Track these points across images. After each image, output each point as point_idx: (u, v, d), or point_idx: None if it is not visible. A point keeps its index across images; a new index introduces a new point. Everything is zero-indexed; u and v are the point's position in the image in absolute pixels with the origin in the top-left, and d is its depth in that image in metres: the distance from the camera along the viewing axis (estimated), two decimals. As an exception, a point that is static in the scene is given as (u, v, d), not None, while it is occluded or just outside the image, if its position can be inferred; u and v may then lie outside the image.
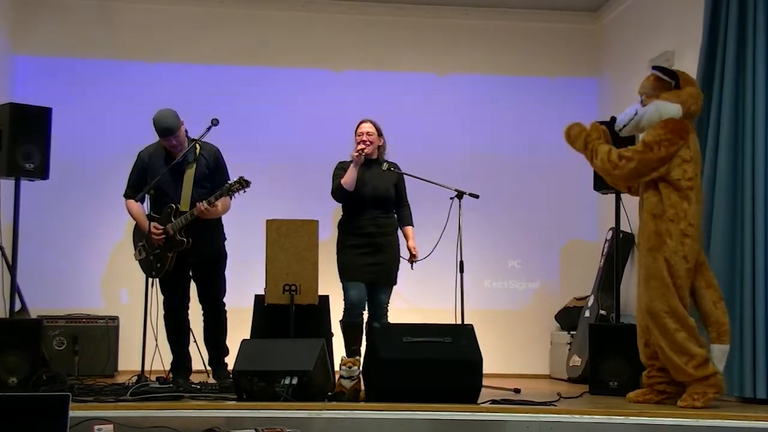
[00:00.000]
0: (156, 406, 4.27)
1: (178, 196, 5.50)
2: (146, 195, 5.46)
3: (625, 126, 4.96)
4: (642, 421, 4.23)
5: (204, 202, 5.37)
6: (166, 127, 5.41)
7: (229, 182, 5.42)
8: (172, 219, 5.44)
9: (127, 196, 5.62)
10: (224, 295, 5.68)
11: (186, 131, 5.54)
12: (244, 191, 5.41)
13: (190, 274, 5.61)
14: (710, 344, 4.72)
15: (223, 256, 5.70)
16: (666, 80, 4.85)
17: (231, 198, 5.46)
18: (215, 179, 5.55)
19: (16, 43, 7.16)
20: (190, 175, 5.53)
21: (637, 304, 4.98)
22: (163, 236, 5.42)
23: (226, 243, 5.71)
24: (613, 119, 5.10)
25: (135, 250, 5.61)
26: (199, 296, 5.65)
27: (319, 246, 5.58)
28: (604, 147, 4.91)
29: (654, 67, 4.99)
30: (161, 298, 5.54)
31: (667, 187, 4.74)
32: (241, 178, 5.40)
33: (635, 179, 4.87)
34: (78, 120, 7.01)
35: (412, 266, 5.88)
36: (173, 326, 5.60)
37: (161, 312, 5.52)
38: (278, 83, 7.45)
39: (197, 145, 5.56)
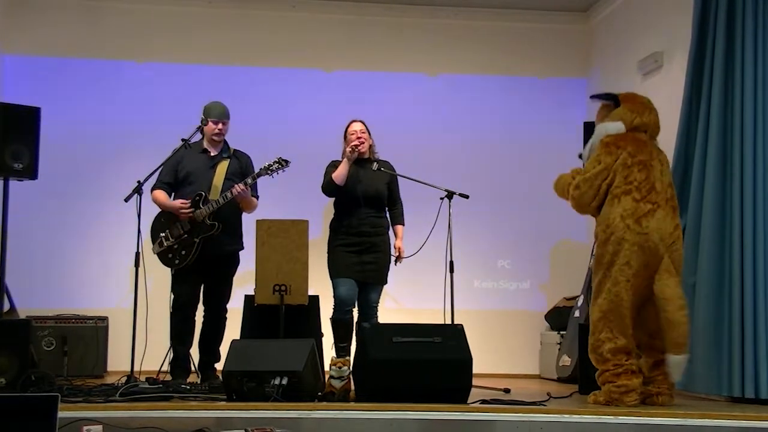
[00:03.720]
0: (145, 407, 4.26)
1: (209, 185, 5.58)
2: (173, 188, 5.60)
3: (582, 156, 5.11)
4: (631, 421, 4.23)
5: (241, 183, 5.48)
6: (224, 110, 5.68)
7: (267, 162, 5.51)
8: (201, 206, 5.49)
9: (154, 187, 5.65)
10: (228, 301, 5.68)
11: None
12: (284, 171, 5.53)
13: (203, 277, 5.60)
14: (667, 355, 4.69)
15: (237, 261, 5.73)
16: (608, 103, 4.94)
17: (272, 176, 5.55)
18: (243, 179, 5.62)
19: (5, 42, 7.13)
20: (223, 167, 5.65)
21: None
22: (191, 211, 5.47)
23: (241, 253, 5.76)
24: (580, 155, 5.20)
25: (154, 243, 5.59)
26: (204, 297, 5.64)
27: (309, 246, 5.58)
28: (567, 179, 5.00)
29: (592, 96, 5.09)
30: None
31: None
32: (279, 158, 5.51)
33: (591, 201, 4.84)
34: (67, 120, 7.00)
35: (395, 263, 5.87)
36: (181, 325, 5.55)
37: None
38: (268, 83, 7.45)
39: (230, 147, 5.76)
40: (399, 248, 5.85)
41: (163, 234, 5.56)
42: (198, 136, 5.69)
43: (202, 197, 5.54)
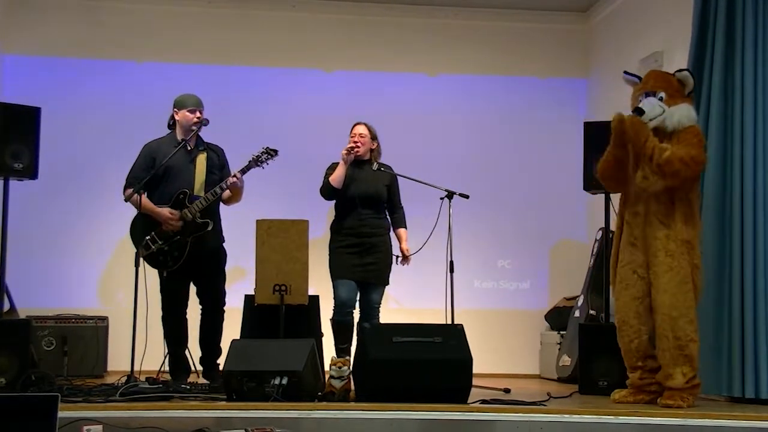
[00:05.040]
0: (145, 407, 4.26)
1: (191, 181, 5.50)
2: (148, 184, 5.42)
3: (651, 120, 4.77)
4: (632, 421, 4.24)
5: (237, 172, 5.43)
6: (199, 99, 5.58)
7: (255, 153, 5.45)
8: (188, 203, 5.42)
9: (128, 186, 5.49)
10: (224, 294, 5.64)
11: None
12: (273, 160, 5.48)
13: (191, 275, 5.55)
14: None
15: (224, 253, 5.68)
16: (689, 85, 4.87)
17: (261, 167, 5.48)
18: (223, 172, 5.59)
19: (5, 42, 7.13)
20: (202, 160, 5.55)
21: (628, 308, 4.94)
22: (180, 222, 5.38)
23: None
24: (639, 110, 4.75)
25: (139, 246, 5.39)
26: (200, 295, 5.60)
27: (309, 246, 5.58)
28: (665, 145, 4.74)
29: (686, 70, 4.94)
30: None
31: (694, 194, 4.81)
32: (266, 147, 5.46)
33: (692, 181, 4.78)
34: (67, 120, 6.99)
35: (401, 264, 5.89)
36: (174, 327, 5.53)
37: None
38: (268, 83, 7.45)
39: (203, 140, 5.65)
40: (405, 251, 5.88)
41: (149, 237, 5.41)
42: (166, 131, 5.61)
43: (187, 195, 5.44)
